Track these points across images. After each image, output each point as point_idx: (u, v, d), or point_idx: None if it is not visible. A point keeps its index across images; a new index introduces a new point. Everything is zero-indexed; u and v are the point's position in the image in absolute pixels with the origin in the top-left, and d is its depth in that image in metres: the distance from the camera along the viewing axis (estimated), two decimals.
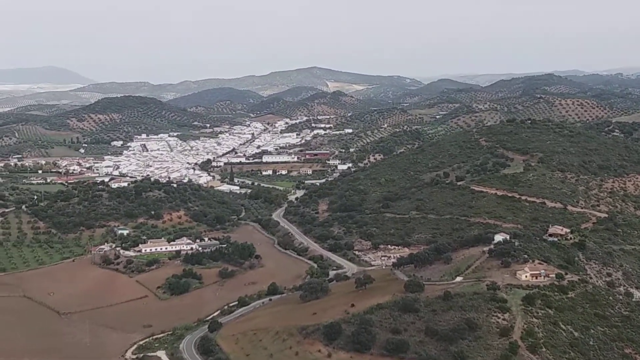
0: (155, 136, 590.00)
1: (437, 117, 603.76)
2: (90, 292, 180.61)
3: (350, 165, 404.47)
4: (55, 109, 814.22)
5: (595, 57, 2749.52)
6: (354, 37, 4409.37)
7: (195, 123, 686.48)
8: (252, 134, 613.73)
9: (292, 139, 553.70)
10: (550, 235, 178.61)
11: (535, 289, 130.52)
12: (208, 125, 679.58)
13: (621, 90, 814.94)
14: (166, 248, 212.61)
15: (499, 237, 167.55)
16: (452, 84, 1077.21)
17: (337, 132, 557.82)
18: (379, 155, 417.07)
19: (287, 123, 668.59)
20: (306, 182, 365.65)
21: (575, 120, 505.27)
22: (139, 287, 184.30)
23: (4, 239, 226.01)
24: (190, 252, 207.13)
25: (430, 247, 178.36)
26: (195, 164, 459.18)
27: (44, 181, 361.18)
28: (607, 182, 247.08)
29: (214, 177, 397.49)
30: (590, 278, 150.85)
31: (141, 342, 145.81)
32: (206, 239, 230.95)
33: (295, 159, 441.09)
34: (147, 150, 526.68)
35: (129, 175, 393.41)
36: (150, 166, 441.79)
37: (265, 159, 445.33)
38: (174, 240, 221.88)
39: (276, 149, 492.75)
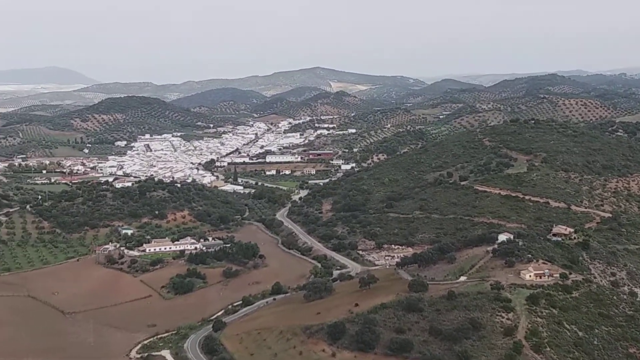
0: (159, 136, 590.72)
1: (441, 117, 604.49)
2: (94, 292, 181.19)
3: (353, 165, 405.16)
4: (59, 109, 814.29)
5: (597, 57, 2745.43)
6: (354, 37, 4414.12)
7: (199, 123, 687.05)
8: (256, 134, 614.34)
9: (295, 139, 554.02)
10: (554, 235, 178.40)
11: (539, 289, 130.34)
12: (211, 125, 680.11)
13: (625, 90, 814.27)
14: (170, 248, 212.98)
15: (502, 237, 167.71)
16: (455, 84, 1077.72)
17: (341, 132, 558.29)
18: (383, 155, 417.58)
19: (290, 123, 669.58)
20: (310, 182, 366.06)
21: (578, 120, 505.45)
22: (143, 286, 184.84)
23: (9, 238, 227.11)
24: (194, 251, 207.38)
25: (434, 246, 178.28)
26: (199, 164, 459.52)
27: (48, 181, 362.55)
28: (610, 181, 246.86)
29: (217, 177, 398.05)
30: (594, 278, 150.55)
31: (145, 342, 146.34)
32: (210, 238, 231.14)
33: (299, 159, 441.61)
34: (151, 151, 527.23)
35: (133, 175, 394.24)
36: (154, 166, 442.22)
37: (269, 159, 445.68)
38: (178, 240, 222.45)
39: (280, 149, 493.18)
